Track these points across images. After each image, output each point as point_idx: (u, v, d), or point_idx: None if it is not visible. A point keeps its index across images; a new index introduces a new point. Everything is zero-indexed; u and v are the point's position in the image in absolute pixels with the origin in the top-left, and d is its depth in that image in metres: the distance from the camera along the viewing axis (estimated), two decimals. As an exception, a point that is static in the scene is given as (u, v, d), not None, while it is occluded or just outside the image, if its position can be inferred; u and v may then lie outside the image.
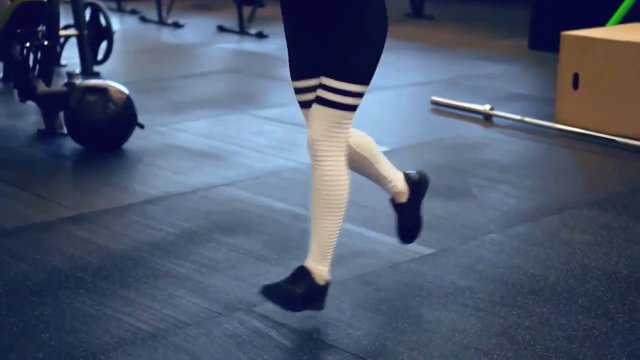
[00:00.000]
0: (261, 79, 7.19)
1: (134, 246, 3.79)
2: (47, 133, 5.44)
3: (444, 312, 3.23)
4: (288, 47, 3.16)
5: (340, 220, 3.09)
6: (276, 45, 8.51)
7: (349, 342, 3.00)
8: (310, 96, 3.09)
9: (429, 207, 3.99)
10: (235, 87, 6.98)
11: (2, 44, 5.29)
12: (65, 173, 4.95)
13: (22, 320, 3.14)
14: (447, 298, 3.34)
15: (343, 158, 3.05)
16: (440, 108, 6.22)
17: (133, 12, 10.61)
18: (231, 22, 9.69)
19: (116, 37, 7.85)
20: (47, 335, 3.04)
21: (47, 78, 5.47)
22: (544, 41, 8.13)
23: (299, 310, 3.10)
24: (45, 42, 5.39)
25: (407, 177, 3.54)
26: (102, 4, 7.35)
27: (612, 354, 2.94)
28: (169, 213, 4.18)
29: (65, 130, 5.33)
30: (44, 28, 5.41)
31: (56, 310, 3.21)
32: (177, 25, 9.74)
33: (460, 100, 6.23)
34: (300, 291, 3.04)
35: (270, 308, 3.17)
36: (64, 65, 7.31)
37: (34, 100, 5.45)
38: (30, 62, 5.44)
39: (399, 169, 3.51)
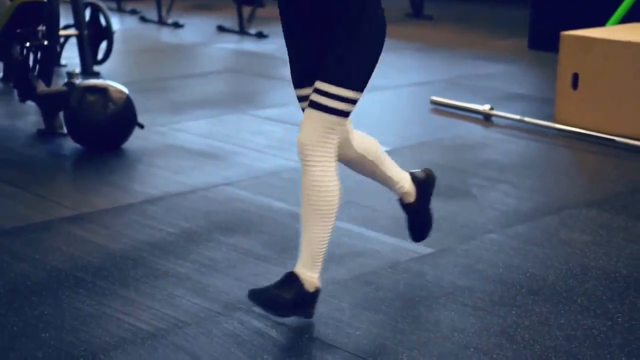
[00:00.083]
0: (261, 79, 7.19)
1: (133, 246, 3.79)
2: (47, 133, 5.45)
3: (443, 311, 3.23)
4: (287, 50, 3.16)
5: (331, 226, 3.06)
6: (276, 45, 8.51)
7: (349, 342, 3.01)
8: None
9: (429, 206, 3.99)
10: (235, 87, 6.98)
11: (2, 44, 5.29)
12: (65, 173, 4.96)
13: (22, 320, 3.14)
14: (447, 298, 3.34)
15: (333, 163, 3.01)
16: (440, 108, 6.23)
17: (133, 12, 10.61)
18: (231, 22, 9.69)
19: (116, 37, 7.85)
20: (47, 334, 3.04)
21: (47, 78, 5.47)
22: (543, 41, 8.14)
23: (287, 316, 3.08)
24: (45, 42, 5.39)
25: (413, 177, 3.54)
26: (102, 4, 7.35)
27: (612, 354, 2.94)
28: (169, 213, 4.19)
29: (65, 130, 5.33)
30: (44, 28, 5.41)
31: (56, 310, 3.21)
32: (177, 25, 9.74)
33: (460, 100, 6.23)
34: (288, 297, 3.02)
35: (269, 308, 3.17)
36: (64, 65, 7.31)
37: (33, 100, 5.45)
38: (30, 62, 5.44)
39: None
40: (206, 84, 6.98)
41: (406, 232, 3.87)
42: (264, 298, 3.05)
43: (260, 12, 9.57)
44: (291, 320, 3.12)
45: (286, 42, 3.15)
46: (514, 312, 3.23)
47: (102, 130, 5.11)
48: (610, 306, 3.28)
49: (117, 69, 7.44)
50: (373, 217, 4.13)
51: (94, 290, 3.37)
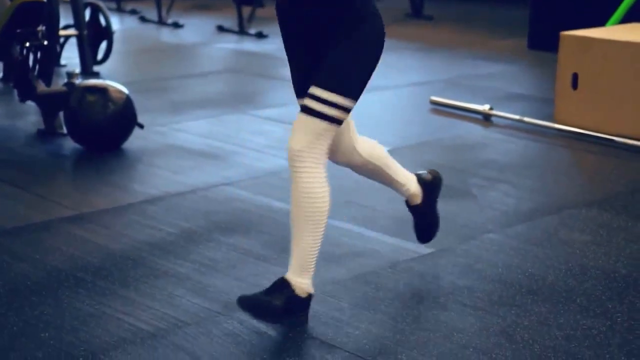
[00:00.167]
0: (261, 79, 7.19)
1: (133, 246, 3.80)
2: (47, 133, 5.45)
3: (443, 311, 3.23)
4: (288, 61, 3.18)
5: (321, 233, 3.05)
6: (276, 45, 8.51)
7: (348, 342, 3.01)
8: None
9: (428, 206, 3.99)
10: (235, 87, 6.98)
11: (2, 44, 5.30)
12: (65, 173, 4.96)
13: (22, 320, 3.14)
14: (446, 297, 3.34)
15: (322, 170, 3.00)
16: (439, 108, 6.23)
17: (133, 12, 10.61)
18: (231, 22, 9.69)
19: (116, 37, 7.85)
20: (47, 334, 3.04)
21: (47, 78, 5.47)
22: (543, 41, 8.14)
23: (278, 321, 3.07)
24: (45, 42, 5.40)
25: (420, 178, 3.55)
26: (101, 4, 7.36)
27: (611, 353, 2.95)
28: (169, 213, 4.19)
29: (65, 130, 5.33)
30: (43, 28, 5.41)
31: (56, 310, 3.21)
32: (176, 25, 9.74)
33: (460, 100, 6.23)
34: (279, 303, 3.02)
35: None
36: (64, 65, 7.31)
37: (33, 100, 5.45)
38: (30, 62, 5.45)
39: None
40: (206, 84, 6.98)
41: (406, 232, 3.88)
42: (253, 305, 3.04)
43: (260, 12, 9.58)
44: (291, 320, 3.12)
45: (286, 53, 3.17)
46: (513, 312, 3.23)
47: (102, 130, 5.11)
48: (610, 306, 3.28)
49: (116, 69, 7.45)
50: (373, 217, 4.13)
51: (94, 290, 3.38)
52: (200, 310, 3.22)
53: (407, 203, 3.57)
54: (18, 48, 5.38)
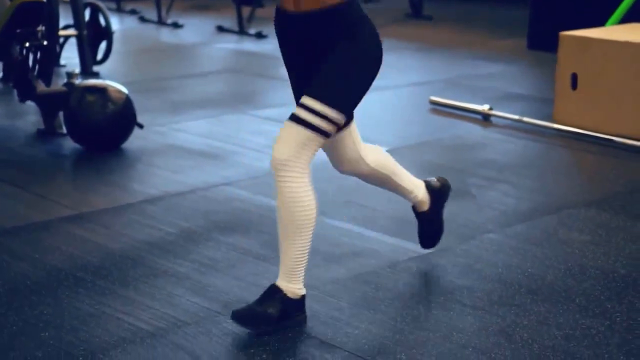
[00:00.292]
0: (260, 79, 7.19)
1: (133, 245, 3.80)
2: (47, 133, 5.45)
3: (442, 311, 3.24)
4: (287, 72, 3.20)
5: (308, 239, 3.04)
6: (275, 45, 8.44)
7: (348, 341, 3.01)
8: None
9: (428, 206, 3.99)
10: (234, 87, 6.98)
11: (2, 44, 5.30)
12: (64, 173, 4.96)
13: (21, 319, 3.14)
14: (446, 297, 3.35)
15: (305, 178, 2.98)
16: (439, 108, 6.23)
17: (132, 12, 10.61)
18: (230, 22, 9.69)
19: (115, 37, 7.85)
20: (47, 334, 3.04)
21: (47, 78, 5.47)
22: (543, 41, 8.14)
23: (276, 327, 3.06)
24: (45, 42, 5.40)
25: (428, 185, 3.56)
26: (101, 4, 7.36)
27: (610, 353, 2.95)
28: (168, 212, 4.19)
29: (64, 130, 5.33)
30: (43, 28, 5.41)
31: (55, 309, 3.22)
32: (176, 26, 9.74)
33: (459, 100, 6.24)
34: (273, 310, 3.03)
35: (269, 307, 3.18)
36: (64, 66, 7.32)
37: (33, 100, 5.45)
38: (30, 62, 5.45)
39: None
40: (206, 84, 6.98)
41: (406, 232, 3.88)
42: (248, 317, 3.04)
43: (259, 12, 9.58)
44: (288, 323, 3.12)
45: (285, 65, 3.19)
46: (512, 312, 3.23)
47: (102, 130, 5.11)
48: (609, 306, 3.29)
49: (116, 69, 7.45)
50: (373, 217, 4.14)
51: (94, 290, 3.38)
52: (200, 310, 3.22)
53: (414, 209, 3.59)
54: (18, 48, 5.38)
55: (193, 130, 5.60)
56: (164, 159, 5.02)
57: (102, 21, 7.33)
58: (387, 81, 6.96)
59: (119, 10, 10.76)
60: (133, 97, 5.34)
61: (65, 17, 6.95)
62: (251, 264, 3.62)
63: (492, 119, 5.91)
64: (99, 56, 7.38)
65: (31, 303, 3.26)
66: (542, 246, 3.83)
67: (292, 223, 2.99)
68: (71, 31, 7.24)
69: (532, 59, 8.01)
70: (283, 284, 3.07)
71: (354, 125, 3.27)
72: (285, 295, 3.06)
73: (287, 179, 2.96)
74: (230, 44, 8.81)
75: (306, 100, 2.97)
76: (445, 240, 3.85)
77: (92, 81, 5.41)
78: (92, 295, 3.33)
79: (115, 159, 5.04)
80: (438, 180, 3.61)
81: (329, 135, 2.99)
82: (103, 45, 7.35)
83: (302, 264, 3.06)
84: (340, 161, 3.31)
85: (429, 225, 3.61)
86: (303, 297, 3.11)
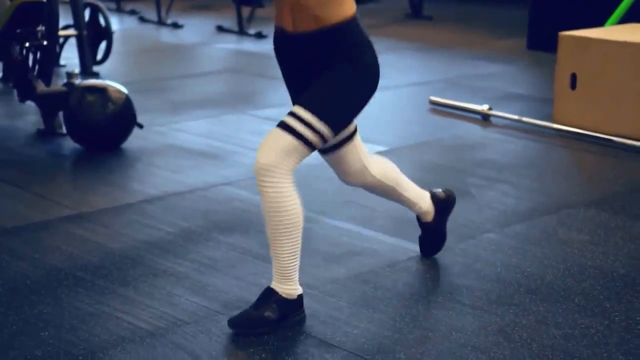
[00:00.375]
0: (260, 79, 7.20)
1: (132, 245, 3.80)
2: (47, 133, 5.46)
3: (441, 310, 3.24)
4: (287, 88, 3.22)
5: (297, 241, 3.04)
6: (275, 45, 8.50)
7: (347, 341, 3.02)
8: None
9: (427, 206, 4.00)
10: (234, 87, 6.99)
11: (2, 44, 5.30)
12: (64, 172, 4.97)
13: (21, 319, 3.15)
14: (445, 297, 3.35)
15: (288, 183, 2.97)
16: (438, 108, 6.23)
17: (132, 12, 10.62)
18: (230, 22, 9.70)
19: (115, 37, 7.86)
20: (46, 333, 3.05)
21: (47, 78, 5.48)
22: (542, 41, 8.14)
23: (275, 329, 3.06)
24: (45, 42, 5.40)
25: (433, 196, 3.59)
26: (101, 4, 7.36)
27: (609, 352, 2.95)
28: (168, 212, 4.19)
29: (64, 130, 5.34)
30: (43, 28, 5.42)
31: (55, 309, 3.22)
32: (176, 26, 9.75)
33: (459, 100, 6.24)
34: (271, 313, 3.04)
35: (268, 306, 3.18)
36: (63, 66, 7.32)
37: (33, 100, 5.46)
38: (30, 62, 5.45)
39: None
40: (206, 84, 6.98)
41: (405, 232, 3.89)
42: (246, 322, 3.05)
43: (259, 12, 9.59)
44: (287, 323, 3.13)
45: (285, 84, 3.22)
46: (511, 311, 3.24)
47: (102, 130, 5.12)
48: (608, 305, 3.29)
49: (116, 69, 7.45)
50: (372, 217, 4.14)
51: (93, 289, 3.38)
52: (199, 309, 3.23)
53: (419, 219, 3.62)
54: (18, 48, 5.39)
55: (193, 130, 5.61)
56: (164, 159, 5.02)
57: (102, 21, 7.33)
58: (387, 81, 6.96)
59: (119, 10, 10.77)
60: (133, 97, 5.34)
61: (65, 17, 6.95)
62: (251, 263, 3.63)
63: (492, 119, 5.91)
64: (99, 56, 7.38)
65: (31, 302, 3.27)
66: (542, 246, 3.83)
67: (277, 228, 3.00)
68: (71, 31, 7.25)
69: (532, 59, 8.02)
70: (278, 285, 3.08)
71: (358, 139, 3.30)
72: (281, 297, 3.07)
73: (269, 184, 2.95)
74: (230, 44, 8.82)
75: (296, 109, 2.98)
76: (444, 240, 3.86)
77: (92, 81, 5.41)
78: (92, 295, 3.33)
79: (115, 159, 5.04)
80: (444, 191, 3.64)
81: (313, 147, 3.00)
82: (103, 46, 7.35)
83: (293, 265, 3.07)
84: (346, 173, 3.35)
85: (432, 235, 3.65)
86: (300, 296, 3.11)
